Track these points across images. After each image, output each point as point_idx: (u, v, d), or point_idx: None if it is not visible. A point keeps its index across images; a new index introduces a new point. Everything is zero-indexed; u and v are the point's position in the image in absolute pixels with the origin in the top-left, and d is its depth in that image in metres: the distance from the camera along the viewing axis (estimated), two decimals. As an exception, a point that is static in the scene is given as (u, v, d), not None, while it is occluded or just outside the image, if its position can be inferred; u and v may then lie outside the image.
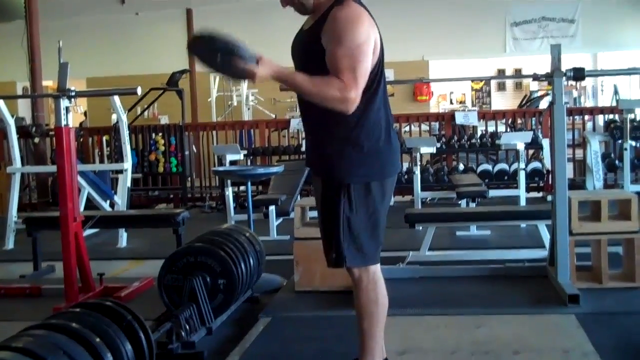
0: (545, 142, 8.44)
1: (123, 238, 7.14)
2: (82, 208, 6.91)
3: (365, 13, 2.78)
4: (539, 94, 15.09)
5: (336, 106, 2.69)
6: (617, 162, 8.52)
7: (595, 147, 8.41)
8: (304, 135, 8.96)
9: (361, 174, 2.85)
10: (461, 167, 9.13)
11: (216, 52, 2.62)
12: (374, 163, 2.87)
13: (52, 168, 7.57)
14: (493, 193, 7.79)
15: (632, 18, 14.09)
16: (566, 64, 4.56)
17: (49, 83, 13.09)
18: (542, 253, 5.44)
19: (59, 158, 4.65)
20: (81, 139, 9.93)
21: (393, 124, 3.01)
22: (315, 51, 2.76)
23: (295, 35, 3.00)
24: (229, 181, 7.64)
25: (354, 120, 2.79)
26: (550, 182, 6.54)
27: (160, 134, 9.83)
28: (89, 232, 6.34)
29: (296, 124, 9.34)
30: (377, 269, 2.98)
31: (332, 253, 2.93)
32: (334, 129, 2.85)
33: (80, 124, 14.22)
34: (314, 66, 2.74)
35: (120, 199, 7.38)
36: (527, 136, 8.06)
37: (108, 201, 7.77)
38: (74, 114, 4.83)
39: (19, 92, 15.37)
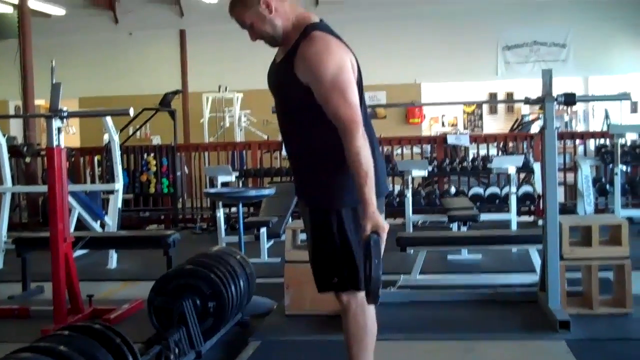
0: (537, 166, 8.47)
1: (113, 259, 7.11)
2: (72, 229, 6.90)
3: (334, 40, 2.75)
4: (531, 117, 15.15)
5: (359, 138, 2.64)
6: (608, 186, 8.55)
7: (586, 172, 8.44)
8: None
9: (348, 199, 2.82)
10: (453, 190, 9.13)
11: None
12: (351, 185, 2.81)
13: (43, 188, 7.53)
14: (484, 217, 7.78)
15: (623, 43, 14.19)
16: (558, 88, 4.58)
17: (41, 102, 13.07)
18: (533, 278, 5.43)
19: (50, 178, 4.64)
20: (72, 159, 9.90)
21: (377, 144, 2.99)
22: (289, 84, 2.76)
23: (270, 67, 2.99)
24: (220, 203, 7.62)
25: (335, 146, 2.74)
26: (541, 206, 6.55)
27: (152, 155, 9.82)
28: (78, 252, 6.30)
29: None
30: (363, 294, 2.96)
31: (321, 279, 2.93)
32: (316, 157, 2.85)
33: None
34: (291, 98, 2.77)
35: (111, 220, 7.35)
36: (519, 160, 8.08)
37: (99, 222, 7.73)
38: (65, 134, 4.81)
39: (11, 110, 15.36)
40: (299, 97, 2.75)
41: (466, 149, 10.33)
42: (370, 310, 2.96)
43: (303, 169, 2.97)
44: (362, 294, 2.89)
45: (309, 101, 2.73)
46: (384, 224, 2.65)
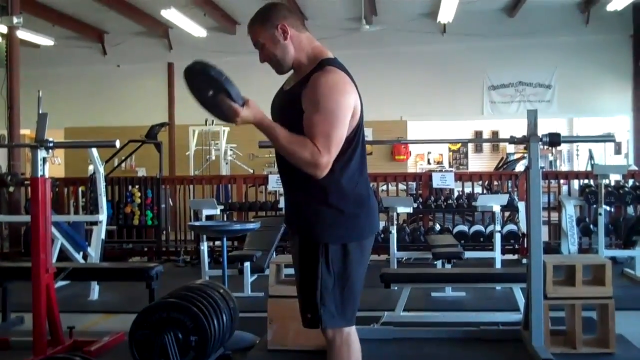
0: (521, 205, 8.51)
1: (95, 291, 7.05)
2: (54, 259, 6.85)
3: (347, 79, 2.80)
4: (516, 156, 15.26)
5: (306, 168, 2.71)
6: (591, 226, 8.60)
7: (570, 211, 8.49)
8: (282, 191, 9.01)
9: (339, 235, 2.84)
10: (437, 227, 9.15)
11: (209, 86, 2.66)
12: (353, 225, 2.87)
13: (26, 218, 7.50)
14: (469, 254, 7.80)
15: (607, 85, 14.34)
16: (542, 128, 4.62)
17: (26, 132, 13.04)
18: (517, 316, 5.43)
19: (33, 208, 4.61)
20: (57, 189, 9.85)
21: (369, 185, 3.01)
22: (293, 113, 2.77)
23: (275, 95, 3.03)
24: (204, 236, 7.59)
25: (331, 184, 2.79)
26: (525, 245, 6.57)
27: (137, 187, 9.80)
28: (60, 283, 6.26)
29: (274, 180, 9.33)
30: (351, 330, 2.94)
31: (307, 313, 2.90)
32: (312, 191, 2.84)
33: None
34: (293, 127, 2.75)
35: (94, 251, 7.30)
36: (503, 199, 8.11)
37: (81, 253, 7.68)
38: (50, 164, 4.80)
39: (-4, 139, 15.30)
40: (300, 126, 2.75)
41: (451, 188, 10.37)
42: (356, 347, 2.93)
43: (295, 198, 2.98)
44: (347, 329, 2.90)
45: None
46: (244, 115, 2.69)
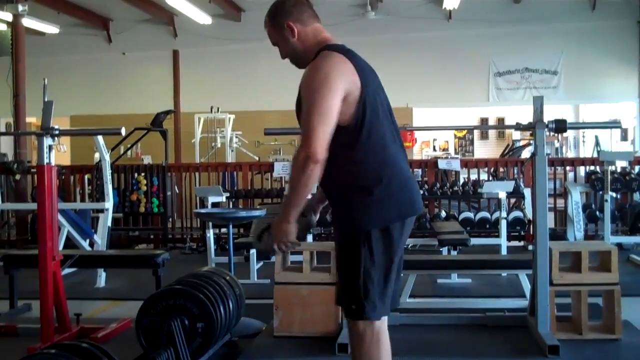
0: (527, 192, 8.49)
1: (102, 278, 7.08)
2: (61, 247, 6.87)
3: (333, 61, 2.76)
4: (521, 143, 15.24)
5: (307, 166, 2.65)
6: (597, 213, 8.59)
7: (576, 198, 8.47)
8: (287, 178, 9.00)
9: (379, 219, 2.78)
10: (443, 214, 9.14)
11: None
12: (390, 205, 2.80)
13: (33, 205, 7.52)
14: (474, 241, 7.78)
15: (613, 71, 14.29)
16: (548, 115, 4.60)
17: (32, 119, 13.06)
18: (523, 302, 5.43)
19: (39, 196, 4.62)
20: (63, 177, 9.87)
21: (405, 161, 2.95)
22: (300, 106, 2.80)
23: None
24: (210, 223, 7.61)
25: (353, 168, 2.78)
26: (531, 231, 6.56)
27: (142, 174, 9.81)
28: (67, 271, 6.27)
29: (280, 167, 9.32)
30: (382, 325, 2.85)
31: (352, 304, 2.82)
32: (340, 179, 2.82)
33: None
34: None
35: (100, 239, 7.32)
36: (509, 185, 8.10)
37: (88, 240, 7.70)
38: (56, 152, 4.80)
39: (2, 127, 15.33)
40: None
41: (457, 174, 10.36)
42: (387, 346, 2.85)
43: (329, 192, 2.94)
44: (378, 324, 2.81)
45: None
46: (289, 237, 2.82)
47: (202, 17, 13.70)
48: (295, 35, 2.88)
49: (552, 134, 4.66)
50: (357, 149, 2.78)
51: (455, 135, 19.05)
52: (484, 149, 18.75)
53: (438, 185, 9.36)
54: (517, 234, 8.98)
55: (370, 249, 2.77)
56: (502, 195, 7.74)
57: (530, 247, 7.24)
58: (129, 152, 12.28)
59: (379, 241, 2.78)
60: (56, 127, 4.61)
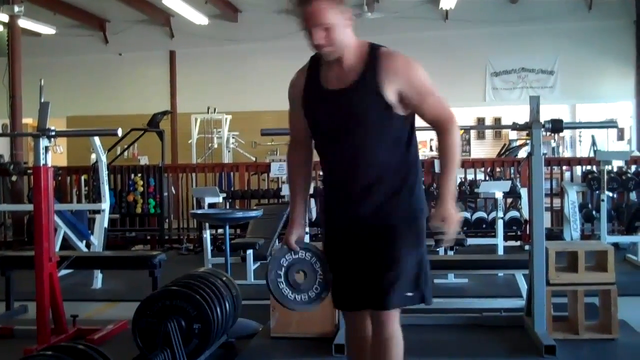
0: (524, 192, 8.50)
1: (98, 279, 7.07)
2: (57, 248, 6.86)
3: None
4: (518, 143, 15.22)
5: (458, 132, 2.92)
6: (594, 212, 8.59)
7: (572, 198, 8.48)
8: (284, 179, 8.99)
9: (424, 208, 2.91)
10: (440, 214, 9.12)
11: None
12: (424, 197, 2.94)
13: (29, 207, 7.51)
14: (471, 241, 7.79)
15: (610, 71, 14.30)
16: (545, 115, 4.61)
17: (28, 120, 13.03)
18: (519, 302, 5.43)
19: (35, 197, 4.61)
20: (59, 178, 9.86)
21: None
22: (370, 102, 2.71)
23: (317, 99, 2.82)
24: (207, 224, 7.60)
25: (410, 158, 2.84)
26: (527, 231, 6.57)
27: (139, 175, 9.80)
28: (63, 272, 6.27)
29: (276, 168, 9.30)
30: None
31: (405, 292, 2.84)
32: (399, 172, 2.81)
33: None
34: (369, 116, 2.72)
35: (97, 240, 7.32)
36: (506, 185, 8.11)
37: (84, 241, 7.69)
38: (53, 153, 4.80)
39: (-2, 129, 15.32)
40: (379, 113, 2.72)
41: (453, 174, 10.34)
42: (402, 343, 2.92)
43: (376, 186, 2.77)
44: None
45: (388, 116, 2.74)
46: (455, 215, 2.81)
47: (199, 18, 13.69)
48: (350, 25, 2.74)
49: (548, 133, 4.66)
50: (413, 144, 2.88)
51: (452, 135, 19.05)
52: (481, 149, 18.75)
53: (434, 185, 9.35)
54: (513, 233, 8.99)
55: (418, 236, 2.88)
56: (499, 195, 7.74)
57: (526, 247, 7.25)
58: (125, 153, 12.27)
59: (422, 230, 2.90)
60: (52, 128, 4.60)
